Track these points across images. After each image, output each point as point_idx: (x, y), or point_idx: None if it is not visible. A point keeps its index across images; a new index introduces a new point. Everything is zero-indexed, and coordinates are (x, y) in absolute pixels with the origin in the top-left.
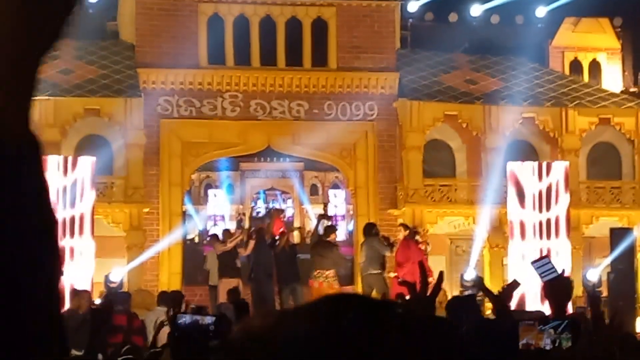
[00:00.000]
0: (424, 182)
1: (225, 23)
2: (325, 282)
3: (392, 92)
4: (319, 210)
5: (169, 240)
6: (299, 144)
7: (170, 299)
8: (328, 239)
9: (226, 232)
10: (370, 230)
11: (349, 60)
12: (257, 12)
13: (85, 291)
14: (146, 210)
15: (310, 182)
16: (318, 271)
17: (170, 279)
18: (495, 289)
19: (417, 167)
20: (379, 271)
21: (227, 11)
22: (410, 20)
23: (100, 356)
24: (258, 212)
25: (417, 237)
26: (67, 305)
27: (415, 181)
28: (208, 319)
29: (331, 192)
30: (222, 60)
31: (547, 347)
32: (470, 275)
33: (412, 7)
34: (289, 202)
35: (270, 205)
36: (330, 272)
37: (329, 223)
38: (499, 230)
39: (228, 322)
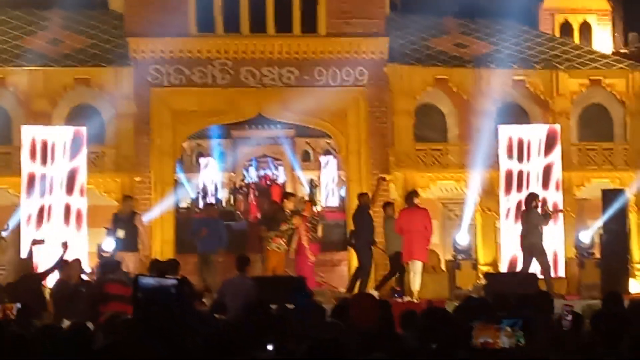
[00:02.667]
0: (415, 147)
1: None
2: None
3: (382, 57)
4: (311, 176)
5: (161, 209)
6: (289, 111)
7: (168, 267)
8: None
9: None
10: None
11: (339, 25)
12: None
13: (76, 261)
14: (138, 179)
15: (302, 148)
16: None
17: (162, 248)
18: (487, 252)
19: (408, 131)
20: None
21: None
22: None
23: (91, 325)
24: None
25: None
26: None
27: (407, 146)
28: (170, 282)
29: (323, 158)
30: (212, 28)
31: (505, 346)
32: (462, 239)
33: None
34: (281, 169)
35: (262, 173)
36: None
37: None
38: (491, 193)
39: (190, 285)
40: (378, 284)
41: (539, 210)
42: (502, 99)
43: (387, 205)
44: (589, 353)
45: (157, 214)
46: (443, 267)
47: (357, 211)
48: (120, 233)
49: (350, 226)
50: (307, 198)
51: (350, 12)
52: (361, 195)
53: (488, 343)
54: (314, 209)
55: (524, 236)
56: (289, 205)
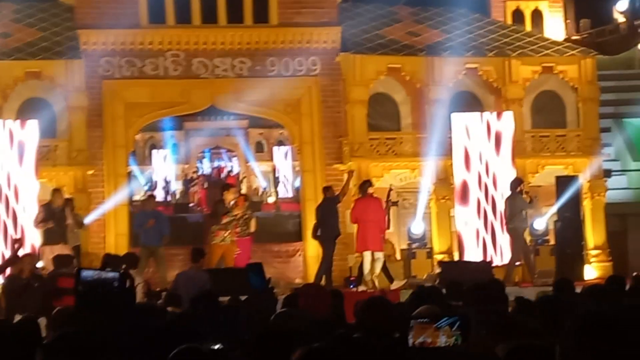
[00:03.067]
0: (369, 136)
1: None
2: None
3: (335, 47)
4: (265, 167)
5: (115, 202)
6: (242, 102)
7: (125, 261)
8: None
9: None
10: (515, 187)
11: (290, 15)
12: None
13: (27, 255)
14: (90, 172)
15: (255, 139)
16: None
17: (117, 241)
18: (442, 240)
19: (361, 121)
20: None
21: None
22: None
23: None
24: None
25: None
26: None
27: (360, 135)
28: (111, 275)
29: (276, 148)
30: (163, 19)
31: (443, 345)
32: (417, 227)
33: None
34: (234, 160)
35: (215, 164)
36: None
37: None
38: (445, 181)
39: (131, 278)
40: (388, 277)
41: (524, 195)
42: (455, 87)
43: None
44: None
45: (110, 207)
46: (398, 256)
47: (321, 204)
48: (48, 225)
49: (309, 217)
50: (242, 191)
51: (302, 1)
52: (326, 189)
53: (427, 342)
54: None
55: (509, 221)
56: (229, 196)
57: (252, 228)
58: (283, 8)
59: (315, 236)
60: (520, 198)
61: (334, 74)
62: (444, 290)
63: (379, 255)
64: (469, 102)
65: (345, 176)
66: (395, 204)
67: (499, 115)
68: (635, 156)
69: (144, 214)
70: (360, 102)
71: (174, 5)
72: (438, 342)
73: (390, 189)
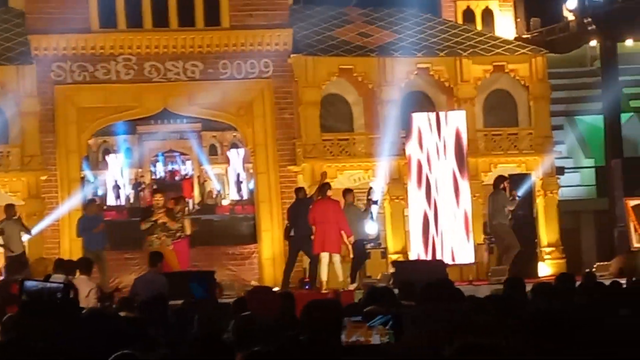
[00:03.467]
0: (322, 137)
1: None
2: None
3: (287, 49)
4: (219, 170)
5: (69, 207)
6: (195, 105)
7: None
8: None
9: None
10: (498, 185)
11: (242, 18)
12: None
13: None
14: (44, 178)
15: (209, 142)
16: None
17: (71, 246)
18: (397, 240)
19: (314, 122)
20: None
21: None
22: None
23: None
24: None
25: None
26: None
27: (314, 136)
28: (55, 285)
29: (230, 151)
30: (114, 24)
31: (377, 343)
32: (371, 228)
33: None
34: (188, 163)
35: (169, 168)
36: None
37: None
38: (399, 181)
39: (75, 289)
40: (351, 277)
41: (507, 192)
42: (407, 87)
43: (347, 192)
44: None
45: (64, 212)
46: (352, 255)
47: (294, 205)
48: None
49: (263, 219)
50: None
51: (253, 4)
52: (298, 190)
53: (359, 341)
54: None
55: (491, 218)
56: (159, 201)
57: (188, 230)
58: (234, 11)
59: (287, 237)
60: (503, 195)
61: (286, 76)
62: (396, 291)
63: (337, 257)
64: (421, 101)
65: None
66: (375, 202)
67: (451, 114)
68: (587, 153)
69: (87, 219)
70: (312, 103)
71: (125, 9)
72: (371, 341)
73: (371, 188)
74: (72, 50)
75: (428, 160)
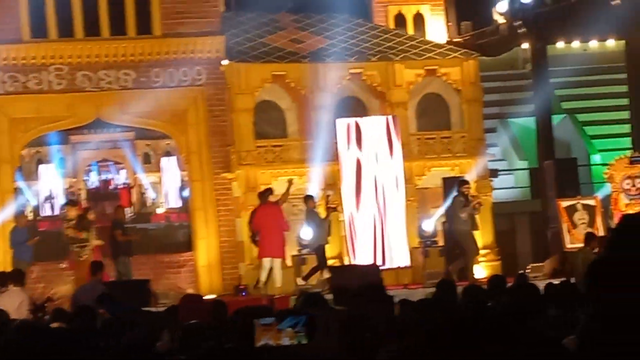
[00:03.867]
0: (256, 144)
1: None
2: None
3: (219, 56)
4: (153, 178)
5: (2, 219)
6: (128, 114)
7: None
8: None
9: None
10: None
11: (174, 26)
12: None
13: None
14: None
15: (143, 150)
16: None
17: (5, 258)
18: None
19: (248, 129)
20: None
21: None
22: None
23: None
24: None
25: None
26: None
27: (247, 143)
28: None
29: (164, 159)
30: (45, 33)
31: (287, 344)
32: (307, 234)
33: None
34: (122, 172)
35: (103, 177)
36: None
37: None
38: (333, 186)
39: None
40: (306, 275)
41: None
42: (340, 92)
43: (308, 198)
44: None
45: None
46: (289, 262)
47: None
48: None
49: (199, 226)
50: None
51: (184, 12)
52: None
53: (269, 344)
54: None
55: (449, 222)
56: (71, 213)
57: (94, 242)
58: (166, 19)
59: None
60: (457, 199)
61: (219, 83)
62: (330, 296)
63: (278, 261)
64: (354, 107)
65: (286, 184)
66: (334, 209)
67: (383, 119)
68: (521, 155)
69: (20, 231)
70: (246, 110)
71: (56, 19)
72: (281, 343)
73: (328, 195)
74: (3, 61)
75: (361, 165)
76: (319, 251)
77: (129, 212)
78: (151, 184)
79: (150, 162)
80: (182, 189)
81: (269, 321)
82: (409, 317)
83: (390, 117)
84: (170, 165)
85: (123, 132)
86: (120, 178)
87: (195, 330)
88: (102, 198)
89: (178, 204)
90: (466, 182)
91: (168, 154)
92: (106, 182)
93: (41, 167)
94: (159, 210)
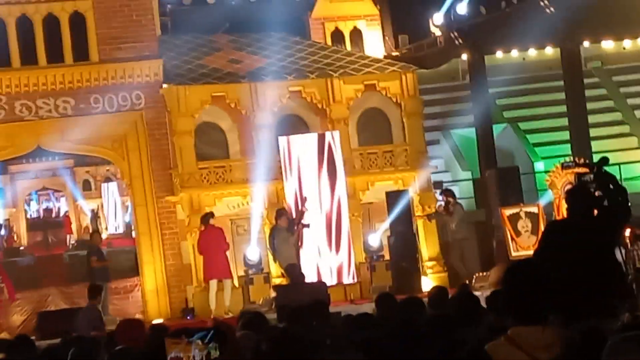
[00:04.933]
0: (198, 166)
1: None
2: None
3: (158, 79)
4: (93, 205)
5: None
6: (68, 141)
7: None
8: None
9: None
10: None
11: (110, 51)
12: (11, 13)
13: None
14: None
15: (82, 177)
16: None
17: None
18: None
19: (189, 151)
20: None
21: None
22: (169, 5)
23: None
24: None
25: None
26: None
27: (189, 166)
28: None
29: (104, 185)
30: None
31: (197, 359)
32: (252, 254)
33: None
34: (62, 200)
35: (44, 206)
36: None
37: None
38: (277, 205)
39: None
40: None
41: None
42: (280, 110)
43: (280, 214)
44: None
45: None
46: (236, 282)
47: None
48: None
49: (144, 251)
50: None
51: (120, 37)
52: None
53: (179, 357)
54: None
55: (455, 231)
56: None
57: None
58: (103, 45)
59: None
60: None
61: (158, 107)
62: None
63: (228, 282)
64: (295, 124)
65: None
66: (307, 226)
67: (324, 135)
68: (464, 166)
69: None
70: (186, 132)
71: None
72: (191, 355)
73: (303, 212)
74: None
75: (303, 182)
76: (290, 270)
77: (71, 239)
78: (92, 210)
79: (90, 189)
80: (123, 214)
81: (178, 335)
82: (351, 332)
83: (330, 133)
84: (110, 191)
85: (62, 160)
86: (61, 206)
87: (120, 355)
88: (44, 227)
89: (119, 229)
90: (448, 192)
91: (108, 179)
92: (48, 211)
93: None
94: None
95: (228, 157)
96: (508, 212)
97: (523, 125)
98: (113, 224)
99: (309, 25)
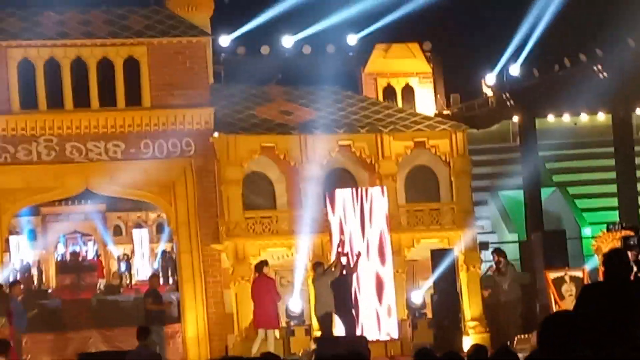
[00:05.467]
0: (244, 215)
1: (35, 67)
2: None
3: (208, 127)
4: (123, 250)
5: None
6: (117, 185)
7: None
8: None
9: None
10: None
11: (163, 97)
12: (67, 55)
13: None
14: None
15: (114, 222)
16: None
17: None
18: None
19: (236, 200)
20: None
21: (36, 55)
22: (223, 54)
23: None
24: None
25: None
26: None
27: (236, 214)
28: None
29: (135, 231)
30: (35, 104)
31: None
32: (295, 305)
33: (224, 42)
34: (90, 244)
35: (72, 249)
36: None
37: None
38: (321, 258)
39: None
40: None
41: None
42: (328, 164)
43: (318, 265)
44: None
45: None
46: (277, 334)
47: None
48: None
49: (187, 298)
50: None
51: (174, 83)
52: (317, 265)
53: None
54: None
55: (508, 292)
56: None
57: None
58: (155, 90)
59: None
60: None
61: (208, 155)
62: None
63: (273, 333)
64: (343, 178)
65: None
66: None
67: (372, 190)
68: (510, 228)
69: (17, 301)
70: (235, 181)
71: (46, 90)
72: None
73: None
74: None
75: (350, 237)
76: (324, 318)
77: (101, 284)
78: (122, 256)
79: (121, 234)
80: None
81: None
82: None
83: (378, 189)
84: (141, 238)
85: (95, 204)
86: (88, 250)
87: None
88: (74, 270)
89: (148, 275)
90: (501, 251)
91: (139, 226)
92: (75, 254)
93: (11, 237)
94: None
95: (275, 207)
96: (553, 275)
97: (572, 190)
98: (142, 270)
99: (361, 80)
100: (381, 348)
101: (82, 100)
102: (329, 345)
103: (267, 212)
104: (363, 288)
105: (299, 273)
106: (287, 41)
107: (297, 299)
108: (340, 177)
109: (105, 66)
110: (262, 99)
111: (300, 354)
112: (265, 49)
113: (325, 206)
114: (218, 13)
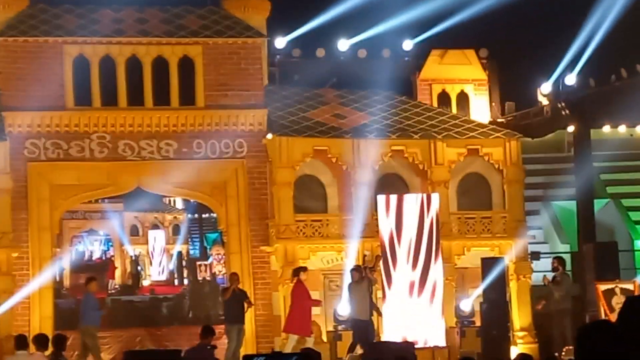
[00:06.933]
0: (295, 218)
1: (91, 64)
2: None
3: (261, 129)
4: (140, 250)
5: (39, 284)
6: (168, 184)
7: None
8: None
9: None
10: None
11: (217, 98)
12: (122, 53)
13: None
14: (15, 255)
15: (131, 222)
16: None
17: (41, 323)
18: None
19: (287, 203)
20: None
21: (92, 52)
22: (278, 56)
23: None
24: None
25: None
26: None
27: (287, 217)
28: None
29: (151, 232)
30: (89, 101)
31: None
32: (344, 309)
33: (280, 44)
34: (96, 244)
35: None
36: None
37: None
38: (372, 262)
39: None
40: (348, 349)
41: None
42: (381, 168)
43: (355, 269)
44: None
45: (34, 289)
46: (324, 337)
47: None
48: None
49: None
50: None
51: (228, 84)
52: (356, 269)
53: None
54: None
55: (560, 302)
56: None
57: None
58: (209, 91)
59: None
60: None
61: (260, 156)
62: None
63: (293, 339)
64: (395, 183)
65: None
66: (372, 269)
67: (424, 197)
68: (562, 238)
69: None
70: (286, 184)
71: (100, 87)
72: None
73: (364, 255)
74: (46, 128)
75: (400, 242)
76: (355, 323)
77: (113, 284)
78: (137, 256)
79: (138, 234)
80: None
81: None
82: None
83: (430, 196)
84: (157, 238)
85: (111, 203)
86: (104, 250)
87: None
88: (87, 270)
89: (163, 276)
90: (561, 259)
91: (155, 227)
92: (90, 254)
93: None
94: (145, 282)
95: (326, 211)
96: (603, 287)
97: (626, 202)
98: (157, 271)
99: (416, 86)
100: (429, 355)
101: (136, 99)
102: (377, 350)
103: (318, 216)
104: (412, 294)
105: (348, 277)
106: (343, 45)
107: (345, 304)
108: (392, 183)
109: (160, 65)
110: (316, 102)
111: (346, 358)
112: (320, 52)
113: (376, 211)
114: (274, 14)
